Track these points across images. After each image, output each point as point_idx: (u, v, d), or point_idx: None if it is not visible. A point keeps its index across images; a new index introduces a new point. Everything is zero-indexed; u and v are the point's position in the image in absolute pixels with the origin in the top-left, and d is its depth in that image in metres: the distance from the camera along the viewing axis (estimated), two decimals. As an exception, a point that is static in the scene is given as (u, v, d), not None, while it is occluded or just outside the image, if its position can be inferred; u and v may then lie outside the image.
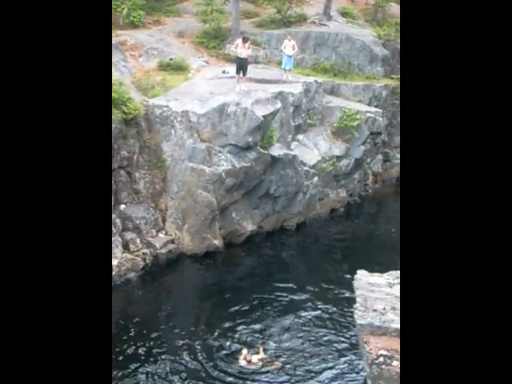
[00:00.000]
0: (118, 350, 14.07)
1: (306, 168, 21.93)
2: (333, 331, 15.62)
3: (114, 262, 17.07)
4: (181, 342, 14.79)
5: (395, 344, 6.61)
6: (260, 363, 13.98)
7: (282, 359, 14.35)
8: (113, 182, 17.96)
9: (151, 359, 14.07)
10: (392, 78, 26.69)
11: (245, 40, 20.39)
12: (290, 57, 22.99)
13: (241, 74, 20.61)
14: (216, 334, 15.21)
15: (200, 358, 14.21)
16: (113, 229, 17.46)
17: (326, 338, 15.29)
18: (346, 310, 16.23)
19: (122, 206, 18.60)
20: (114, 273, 16.79)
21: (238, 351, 14.40)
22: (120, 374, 13.34)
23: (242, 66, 20.43)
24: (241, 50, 20.27)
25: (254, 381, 13.59)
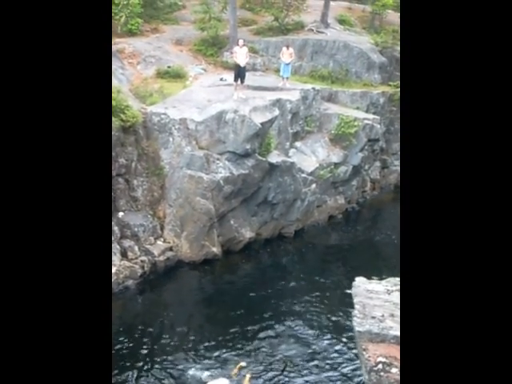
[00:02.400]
0: (116, 357, 14.01)
1: (303, 175, 21.94)
2: (331, 338, 15.59)
3: (113, 270, 17.04)
4: (179, 350, 14.74)
5: (394, 351, 6.60)
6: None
7: (279, 365, 14.32)
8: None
9: (149, 367, 14.03)
10: (389, 85, 26.79)
11: (241, 45, 20.47)
12: (288, 64, 23.07)
13: (238, 82, 20.66)
14: (214, 341, 15.18)
15: (198, 365, 14.17)
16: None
17: (324, 345, 15.27)
18: (344, 317, 16.20)
19: (121, 214, 18.59)
20: (112, 281, 16.75)
21: (235, 359, 14.39)
22: (118, 381, 13.29)
23: (239, 73, 20.49)
24: (239, 56, 20.33)
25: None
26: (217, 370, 14.03)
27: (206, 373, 13.88)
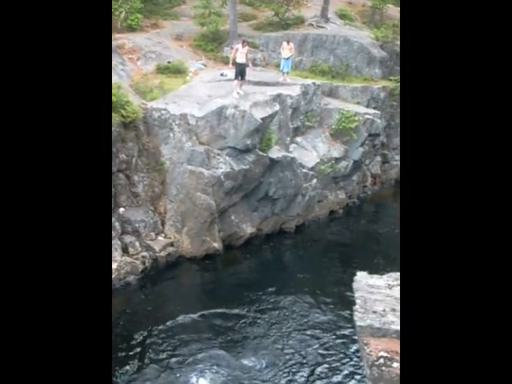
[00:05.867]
0: (117, 353, 14.05)
1: (304, 170, 21.94)
2: (332, 333, 15.62)
3: (114, 266, 17.06)
4: (180, 346, 14.77)
5: (395, 346, 6.58)
6: None
7: (281, 361, 14.34)
8: (112, 185, 17.94)
9: (151, 363, 14.05)
10: (390, 80, 26.76)
11: (244, 44, 20.40)
12: (288, 59, 23.03)
13: (239, 79, 20.54)
14: (215, 337, 15.20)
15: (199, 363, 14.20)
16: (112, 232, 17.44)
17: (325, 340, 15.29)
18: (345, 311, 16.22)
19: (121, 210, 18.60)
20: (113, 276, 16.78)
21: (236, 356, 14.42)
22: (119, 378, 13.33)
23: (241, 70, 20.35)
24: (240, 54, 20.23)
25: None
26: (217, 366, 14.06)
27: (207, 369, 13.91)
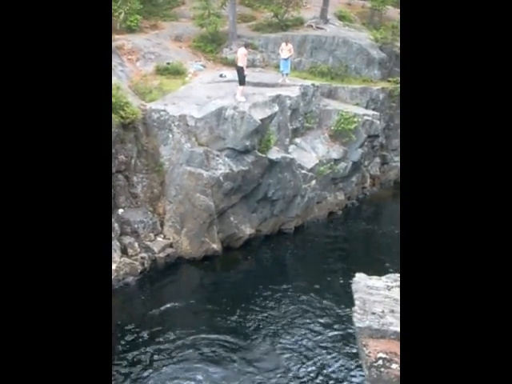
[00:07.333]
0: (116, 354, 14.04)
1: (303, 171, 21.93)
2: (331, 334, 15.61)
3: (113, 267, 17.05)
4: (179, 347, 14.76)
5: (394, 347, 6.60)
6: None
7: (280, 361, 14.34)
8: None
9: (150, 364, 14.04)
10: (389, 81, 26.79)
11: (246, 47, 20.34)
12: (287, 60, 23.03)
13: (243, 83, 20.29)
14: (215, 338, 15.19)
15: (199, 363, 14.19)
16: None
17: (324, 341, 15.28)
18: (344, 313, 16.22)
19: (120, 211, 18.60)
20: (112, 277, 16.76)
21: (235, 356, 14.41)
22: (119, 378, 13.31)
23: (244, 75, 20.20)
24: (244, 58, 20.05)
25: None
26: (217, 366, 14.06)
27: (207, 369, 13.90)
